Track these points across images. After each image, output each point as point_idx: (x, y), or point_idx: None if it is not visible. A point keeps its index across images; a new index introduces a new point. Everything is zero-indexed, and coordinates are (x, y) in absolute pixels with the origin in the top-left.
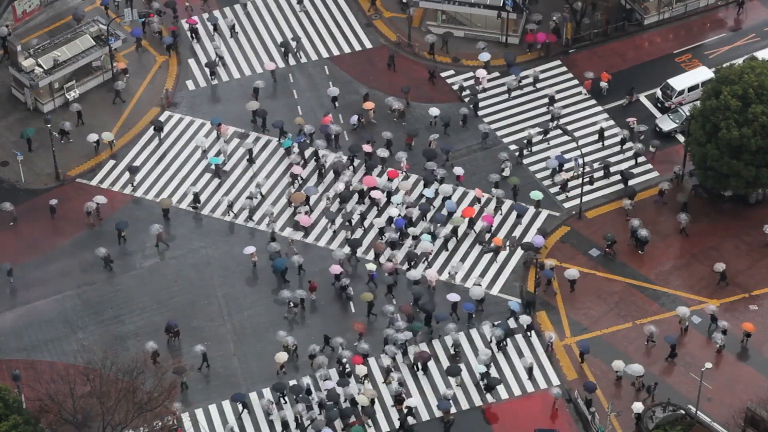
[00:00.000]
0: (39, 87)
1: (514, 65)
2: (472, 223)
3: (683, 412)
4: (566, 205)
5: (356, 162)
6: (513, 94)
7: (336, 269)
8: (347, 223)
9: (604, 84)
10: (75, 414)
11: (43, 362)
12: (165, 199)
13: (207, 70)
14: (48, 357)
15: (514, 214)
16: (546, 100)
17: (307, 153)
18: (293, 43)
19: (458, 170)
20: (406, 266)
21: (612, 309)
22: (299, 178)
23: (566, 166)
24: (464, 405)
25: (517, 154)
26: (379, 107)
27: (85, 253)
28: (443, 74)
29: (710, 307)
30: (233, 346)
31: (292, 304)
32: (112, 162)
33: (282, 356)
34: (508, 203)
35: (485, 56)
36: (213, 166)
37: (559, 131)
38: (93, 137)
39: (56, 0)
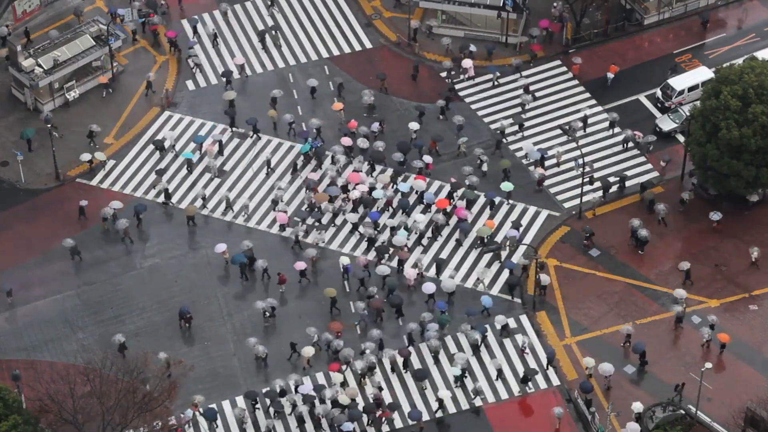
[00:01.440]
0: (39, 87)
1: (491, 65)
2: (446, 214)
3: (683, 412)
4: (566, 205)
5: (377, 169)
6: (498, 84)
7: (300, 265)
8: (317, 223)
9: (610, 75)
10: (75, 414)
11: (43, 362)
12: (191, 207)
13: (223, 79)
14: (48, 357)
15: (495, 209)
16: (544, 95)
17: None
18: (272, 32)
19: (427, 158)
20: (432, 271)
21: (612, 309)
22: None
23: (550, 157)
24: (464, 405)
25: (494, 145)
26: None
27: (85, 253)
28: (443, 74)
29: (677, 308)
30: (233, 346)
31: (267, 314)
32: (112, 162)
33: (309, 350)
34: (485, 197)
35: (470, 47)
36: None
37: (538, 123)
38: (86, 156)
39: (56, 0)
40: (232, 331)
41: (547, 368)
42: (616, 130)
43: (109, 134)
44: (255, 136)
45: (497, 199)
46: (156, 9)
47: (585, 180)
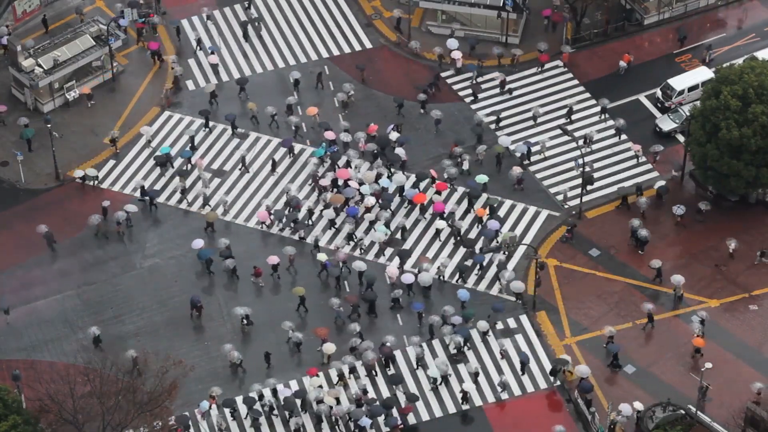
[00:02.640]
0: (39, 87)
1: (470, 63)
2: (423, 210)
3: (683, 412)
4: (566, 205)
5: (393, 172)
6: (478, 83)
7: (274, 260)
8: (292, 224)
9: (623, 64)
10: (75, 414)
11: (43, 362)
12: (211, 213)
13: (238, 86)
14: (48, 357)
15: (477, 204)
16: (544, 95)
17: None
18: (255, 23)
19: (400, 151)
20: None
21: (612, 309)
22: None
23: (534, 149)
24: (464, 405)
25: (476, 139)
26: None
27: (85, 253)
28: (443, 74)
29: (647, 306)
30: (233, 346)
31: (245, 321)
32: (112, 162)
33: (330, 347)
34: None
35: (453, 43)
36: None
37: (515, 115)
38: (79, 173)
39: (56, 0)
40: (232, 331)
41: (522, 373)
42: (613, 128)
43: (109, 134)
44: (232, 131)
45: (497, 200)
46: (141, 8)
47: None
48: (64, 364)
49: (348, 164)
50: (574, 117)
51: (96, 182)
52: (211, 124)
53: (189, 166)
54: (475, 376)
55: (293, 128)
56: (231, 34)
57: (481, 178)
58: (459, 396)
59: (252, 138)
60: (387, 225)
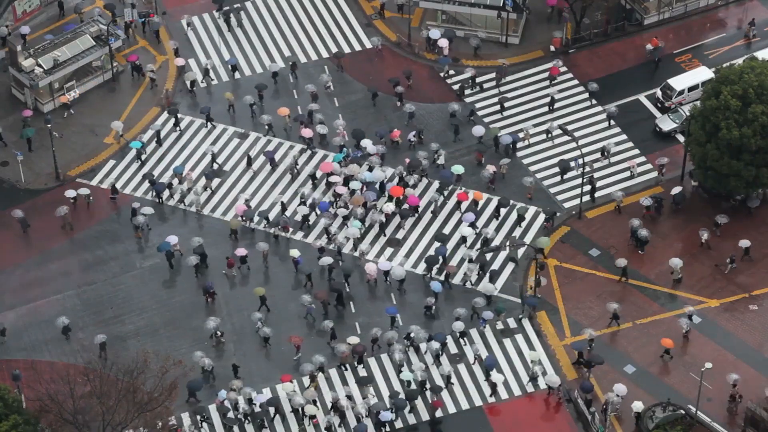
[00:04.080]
0: (39, 87)
1: (444, 56)
2: (399, 203)
3: (683, 412)
4: (566, 205)
5: (411, 179)
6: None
7: (241, 252)
8: (265, 220)
9: (649, 47)
10: (75, 414)
11: (43, 362)
12: (234, 220)
13: (256, 90)
14: (48, 357)
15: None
16: (539, 95)
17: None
18: (237, 13)
19: (372, 149)
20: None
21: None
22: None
23: (519, 144)
24: (464, 405)
25: (454, 132)
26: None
27: (85, 253)
28: (442, 74)
29: (612, 305)
30: (233, 346)
31: (219, 333)
32: (112, 162)
33: (353, 340)
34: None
35: (435, 33)
36: (135, 150)
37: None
38: (71, 193)
39: (56, 0)
40: (232, 331)
41: (487, 378)
42: (605, 114)
43: (109, 134)
44: (210, 125)
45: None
46: (113, 11)
47: (584, 180)
48: (64, 364)
49: (373, 170)
50: (570, 114)
51: (90, 201)
52: (179, 116)
53: (177, 182)
54: (447, 379)
55: (265, 126)
56: (232, 36)
57: (457, 169)
58: (488, 388)
59: (225, 131)
60: (362, 220)
